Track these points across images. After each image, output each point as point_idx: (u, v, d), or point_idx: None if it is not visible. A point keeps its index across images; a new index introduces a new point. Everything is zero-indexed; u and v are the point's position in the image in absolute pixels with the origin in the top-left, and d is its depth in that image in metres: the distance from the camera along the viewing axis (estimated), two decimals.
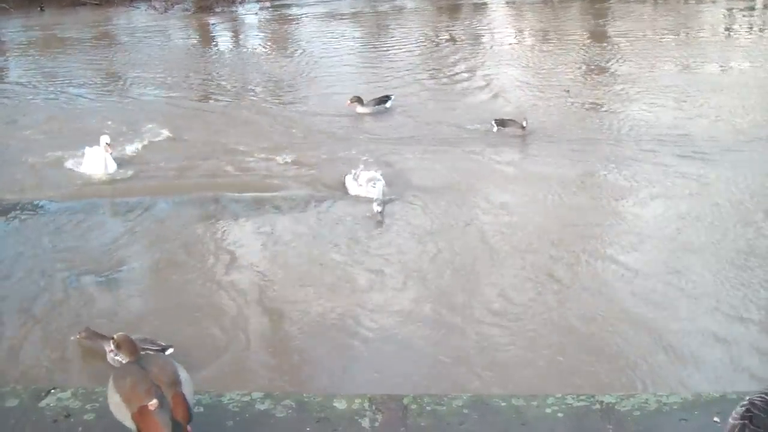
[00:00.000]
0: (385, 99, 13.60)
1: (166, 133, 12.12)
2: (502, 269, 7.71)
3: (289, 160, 10.89)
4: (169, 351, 6.12)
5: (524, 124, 11.72)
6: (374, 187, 9.28)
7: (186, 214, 9.23)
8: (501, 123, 11.97)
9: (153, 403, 3.43)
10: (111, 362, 6.13)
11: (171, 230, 8.81)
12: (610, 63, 16.88)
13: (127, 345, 3.91)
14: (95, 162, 10.37)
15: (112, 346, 6.06)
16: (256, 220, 9.07)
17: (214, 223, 9.00)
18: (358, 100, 13.35)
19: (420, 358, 6.32)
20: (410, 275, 7.65)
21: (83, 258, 8.12)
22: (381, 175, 9.68)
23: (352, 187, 9.63)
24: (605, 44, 19.08)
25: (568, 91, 14.48)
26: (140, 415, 3.43)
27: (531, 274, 7.57)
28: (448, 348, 6.39)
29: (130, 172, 10.52)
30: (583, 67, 16.51)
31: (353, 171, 9.79)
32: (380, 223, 8.87)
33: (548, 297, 7.13)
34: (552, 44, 19.24)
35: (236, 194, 9.77)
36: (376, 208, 9.04)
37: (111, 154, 10.38)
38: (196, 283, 7.58)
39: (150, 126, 12.43)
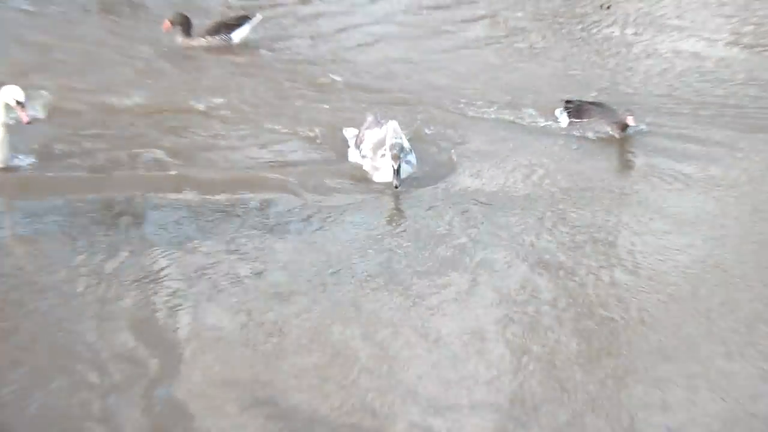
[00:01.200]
0: (238, 23, 9.02)
1: (47, 86, 7.74)
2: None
3: (256, 136, 7.38)
4: None
5: (629, 121, 7.44)
6: (390, 160, 6.35)
7: (83, 230, 5.77)
8: (576, 112, 7.67)
9: None
10: None
11: (50, 259, 5.39)
12: None
13: None
14: None
15: None
16: (202, 238, 5.76)
17: (126, 243, 5.62)
18: (182, 23, 8.71)
19: None
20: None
21: None
22: (392, 120, 6.79)
23: (365, 164, 6.65)
24: None
25: (609, 6, 11.15)
26: None
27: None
28: None
29: None
30: None
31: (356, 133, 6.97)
32: (397, 190, 6.31)
33: None
34: None
35: (169, 196, 6.30)
36: (394, 165, 6.29)
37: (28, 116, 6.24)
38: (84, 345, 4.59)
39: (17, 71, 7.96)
